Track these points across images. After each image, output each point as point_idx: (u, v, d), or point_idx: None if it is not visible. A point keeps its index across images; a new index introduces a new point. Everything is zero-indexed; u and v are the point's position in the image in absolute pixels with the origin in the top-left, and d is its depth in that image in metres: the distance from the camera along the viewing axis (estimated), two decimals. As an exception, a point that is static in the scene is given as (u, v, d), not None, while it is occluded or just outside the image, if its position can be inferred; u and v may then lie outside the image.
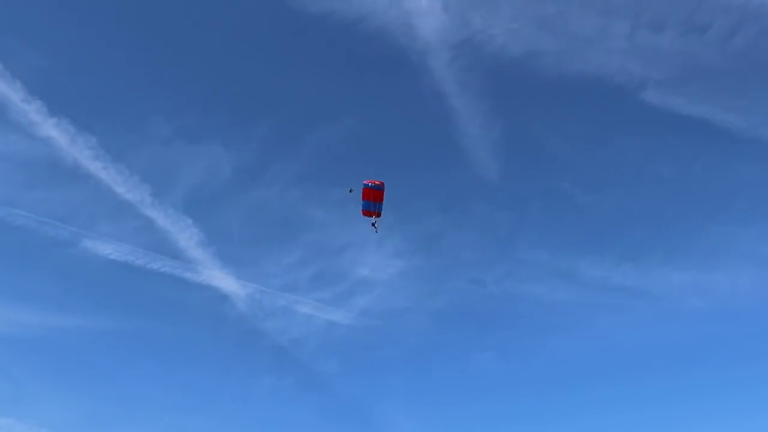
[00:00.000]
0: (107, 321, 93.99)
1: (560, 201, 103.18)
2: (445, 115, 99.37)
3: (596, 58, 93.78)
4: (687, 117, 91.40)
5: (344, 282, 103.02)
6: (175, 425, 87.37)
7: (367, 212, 56.08)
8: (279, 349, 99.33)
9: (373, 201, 55.15)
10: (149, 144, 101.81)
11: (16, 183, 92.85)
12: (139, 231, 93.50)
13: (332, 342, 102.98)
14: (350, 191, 54.88)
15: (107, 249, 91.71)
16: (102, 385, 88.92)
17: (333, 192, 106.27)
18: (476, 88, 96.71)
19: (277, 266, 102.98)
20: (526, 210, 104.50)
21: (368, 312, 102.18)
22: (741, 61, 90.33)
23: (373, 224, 56.24)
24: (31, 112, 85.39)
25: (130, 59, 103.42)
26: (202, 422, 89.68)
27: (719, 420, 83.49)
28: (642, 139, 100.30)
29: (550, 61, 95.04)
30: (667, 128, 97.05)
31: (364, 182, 54.51)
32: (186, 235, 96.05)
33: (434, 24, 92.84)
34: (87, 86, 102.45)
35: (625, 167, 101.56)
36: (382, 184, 54.61)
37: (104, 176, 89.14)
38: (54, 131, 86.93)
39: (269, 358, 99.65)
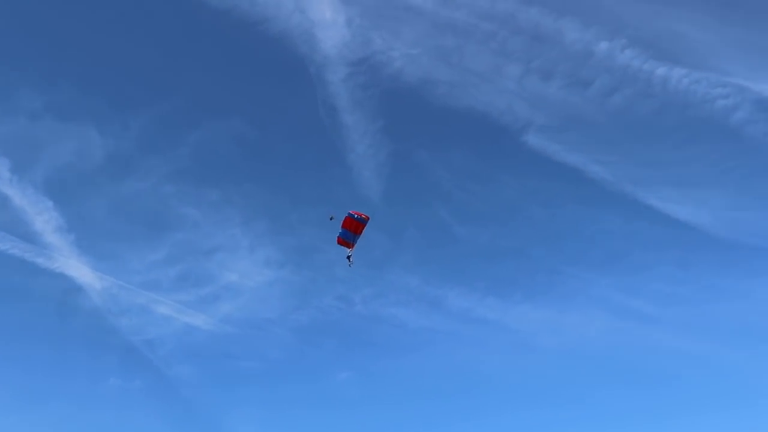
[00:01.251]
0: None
1: (437, 229, 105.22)
2: (335, 130, 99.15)
3: (486, 95, 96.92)
4: (562, 164, 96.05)
5: (210, 286, 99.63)
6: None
7: (343, 241, 53.94)
8: (130, 348, 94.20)
9: (353, 232, 53.28)
10: (15, 116, 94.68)
11: None
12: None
13: (189, 346, 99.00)
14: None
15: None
16: None
17: (210, 193, 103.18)
18: (369, 107, 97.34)
19: (140, 262, 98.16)
20: (403, 234, 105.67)
21: (231, 319, 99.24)
22: (616, 118, 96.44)
23: (348, 257, 54.24)
24: None
25: (4, 25, 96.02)
26: (33, 423, 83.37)
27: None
28: (520, 179, 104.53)
29: (443, 91, 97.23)
30: (544, 172, 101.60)
31: (350, 212, 52.71)
32: (44, 218, 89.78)
33: (336, 38, 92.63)
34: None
35: (502, 204, 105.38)
36: (368, 218, 53.03)
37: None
38: None
39: (119, 357, 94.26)
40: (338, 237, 53.53)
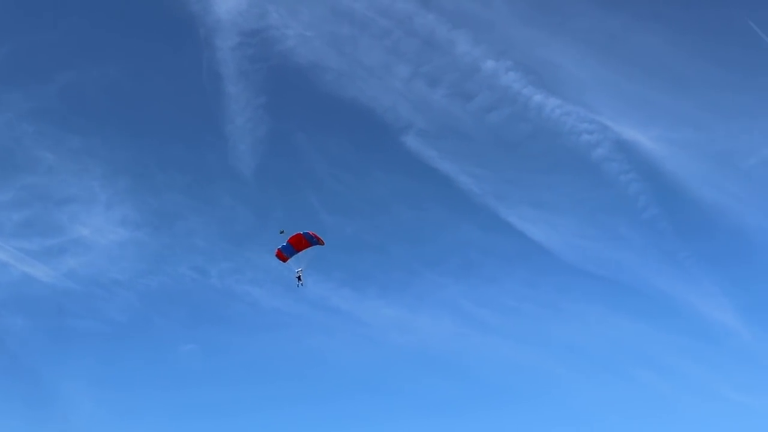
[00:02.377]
0: None
1: (305, 214, 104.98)
2: (216, 98, 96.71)
3: (373, 90, 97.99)
4: (434, 169, 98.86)
5: (57, 237, 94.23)
6: None
7: (280, 254, 51.42)
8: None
9: (295, 248, 50.88)
10: None
11: None
12: None
13: (25, 298, 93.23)
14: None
15: None
16: None
17: (72, 139, 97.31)
18: (255, 81, 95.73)
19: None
20: (270, 214, 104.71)
21: (75, 275, 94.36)
22: (490, 135, 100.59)
23: (298, 276, 52.25)
24: None
25: None
26: None
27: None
28: (392, 177, 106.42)
29: (331, 78, 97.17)
30: (416, 174, 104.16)
31: (307, 231, 50.11)
32: None
33: (231, 4, 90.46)
34: None
35: (371, 199, 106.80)
36: (320, 242, 50.48)
37: None
38: None
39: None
40: (277, 249, 51.23)
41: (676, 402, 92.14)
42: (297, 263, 52.07)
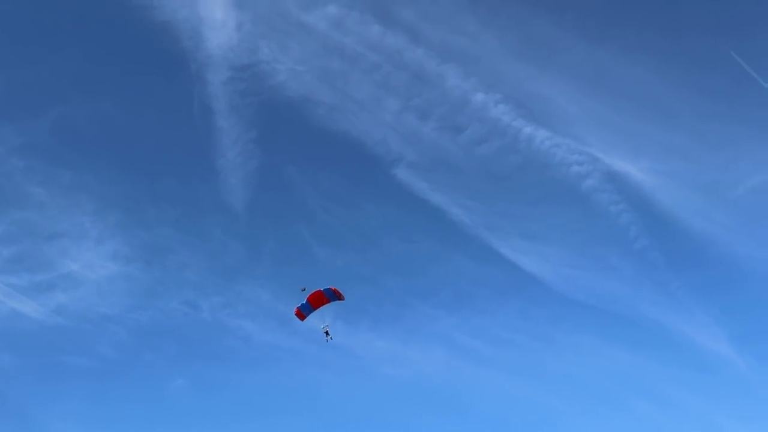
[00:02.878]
0: None
1: (296, 247, 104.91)
2: (207, 132, 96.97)
3: (364, 123, 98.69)
4: (426, 201, 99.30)
5: (46, 273, 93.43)
6: None
7: (298, 312, 51.53)
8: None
9: (313, 306, 50.93)
10: None
11: None
12: None
13: (13, 334, 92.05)
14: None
15: None
16: None
17: (63, 174, 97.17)
18: (246, 115, 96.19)
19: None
20: (261, 247, 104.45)
21: (65, 311, 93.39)
22: (481, 167, 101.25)
23: (326, 332, 52.92)
24: None
25: None
26: None
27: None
28: (384, 209, 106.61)
29: (322, 112, 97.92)
30: (407, 207, 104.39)
31: (328, 287, 50.43)
32: None
33: (222, 39, 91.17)
34: None
35: (362, 232, 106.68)
36: (340, 297, 50.86)
37: None
38: None
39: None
40: (296, 308, 51.12)
41: (672, 430, 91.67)
42: (321, 320, 52.15)
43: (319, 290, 50.34)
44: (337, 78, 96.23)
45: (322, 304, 50.78)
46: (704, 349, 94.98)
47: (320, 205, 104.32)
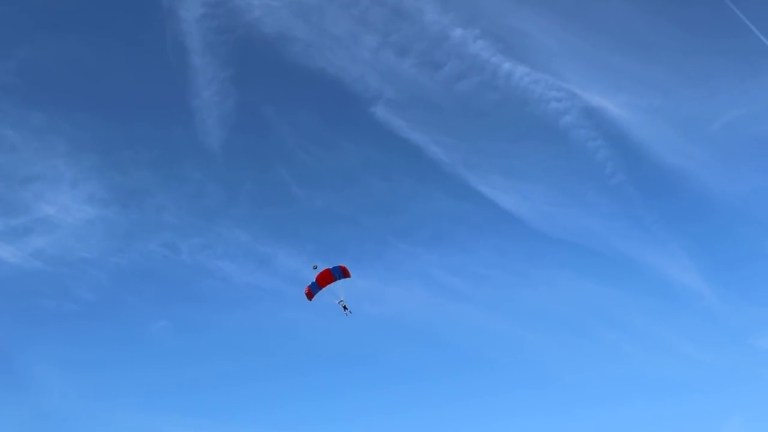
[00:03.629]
0: None
1: (275, 187, 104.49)
2: (181, 71, 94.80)
3: (341, 60, 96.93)
4: (404, 139, 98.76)
5: (22, 217, 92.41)
6: None
7: (308, 291, 51.49)
8: None
9: (320, 285, 50.72)
10: None
11: None
12: None
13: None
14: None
15: None
16: None
17: (35, 116, 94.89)
18: (221, 53, 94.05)
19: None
20: (239, 188, 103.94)
21: (43, 255, 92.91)
22: (460, 104, 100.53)
23: (344, 307, 52.50)
24: None
25: None
26: None
27: (371, 415, 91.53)
28: (362, 148, 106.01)
29: (299, 49, 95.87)
30: (386, 145, 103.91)
31: (336, 266, 50.37)
32: None
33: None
34: None
35: (341, 171, 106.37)
36: (346, 274, 50.71)
37: None
38: None
39: None
40: (307, 287, 51.40)
41: (642, 362, 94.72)
42: (333, 296, 52.24)
43: (327, 269, 50.57)
44: (314, 13, 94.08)
45: (329, 283, 50.97)
46: (676, 281, 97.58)
47: (298, 144, 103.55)
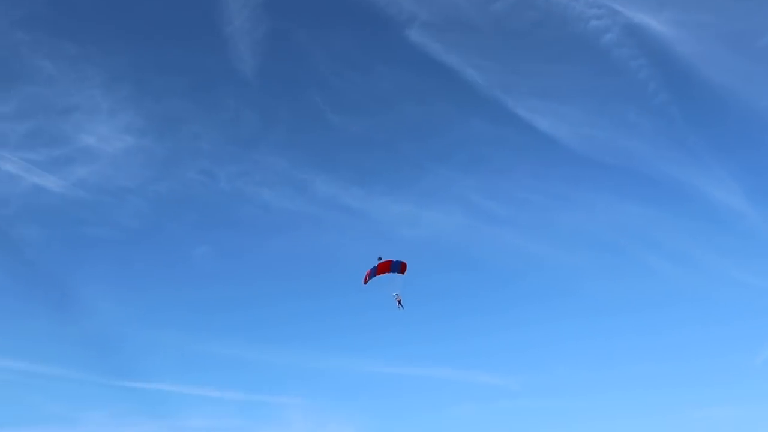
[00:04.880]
0: None
1: (310, 114, 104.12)
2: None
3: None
4: (439, 63, 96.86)
5: (63, 147, 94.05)
6: None
7: (367, 276, 53.38)
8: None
9: (377, 273, 52.86)
10: None
11: None
12: None
13: (37, 209, 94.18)
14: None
15: None
16: None
17: (69, 47, 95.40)
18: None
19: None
20: (275, 115, 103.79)
21: (85, 184, 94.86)
22: (496, 25, 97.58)
23: (398, 301, 54.39)
24: None
25: None
26: None
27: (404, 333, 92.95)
28: (397, 72, 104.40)
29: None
30: (421, 69, 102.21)
31: (398, 260, 52.42)
32: None
33: None
34: None
35: (376, 96, 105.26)
36: (403, 269, 52.59)
37: None
38: None
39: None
40: (367, 271, 53.30)
41: (685, 285, 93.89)
42: (391, 287, 54.19)
43: (390, 261, 52.78)
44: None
45: (384, 272, 53.01)
46: (718, 202, 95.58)
47: (332, 69, 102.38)
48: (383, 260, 52.68)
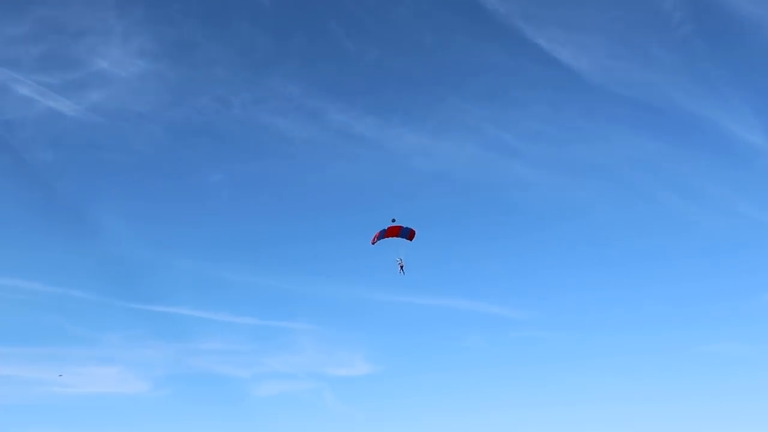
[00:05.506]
0: None
1: (325, 41, 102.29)
2: None
3: None
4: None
5: (77, 71, 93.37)
6: None
7: (375, 237, 53.78)
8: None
9: (386, 236, 53.47)
10: None
11: None
12: None
13: (52, 132, 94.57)
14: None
15: None
16: None
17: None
18: None
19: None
20: (289, 41, 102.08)
21: (99, 109, 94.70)
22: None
23: (401, 266, 55.31)
24: None
25: None
26: None
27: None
28: (416, 2, 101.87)
29: None
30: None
31: (408, 227, 53.07)
32: None
33: None
34: None
35: (394, 24, 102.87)
36: (411, 235, 53.43)
37: None
38: None
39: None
40: (376, 233, 53.61)
41: (697, 220, 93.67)
42: (395, 252, 55.02)
43: (400, 226, 53.43)
44: None
45: (393, 236, 53.81)
46: (738, 139, 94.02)
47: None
48: (395, 224, 53.26)
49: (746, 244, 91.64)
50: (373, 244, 54.56)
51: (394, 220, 53.03)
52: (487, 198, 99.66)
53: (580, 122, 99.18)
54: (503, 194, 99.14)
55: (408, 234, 53.52)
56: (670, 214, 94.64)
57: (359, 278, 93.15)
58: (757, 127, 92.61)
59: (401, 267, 55.44)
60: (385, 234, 53.68)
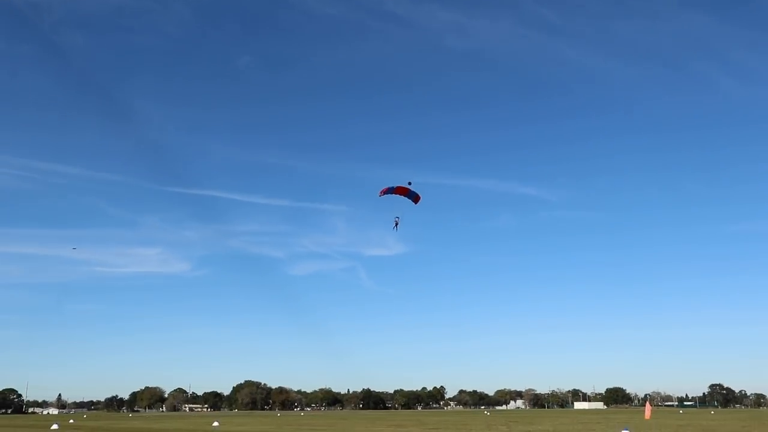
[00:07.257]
0: None
1: None
2: None
3: None
4: None
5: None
6: None
7: (385, 190, 57.02)
8: (15, 11, 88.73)
9: (394, 192, 57.02)
10: None
11: None
12: None
13: (80, 13, 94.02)
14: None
15: None
16: None
17: None
18: None
19: None
20: None
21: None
22: None
23: (396, 223, 58.78)
24: None
25: None
26: None
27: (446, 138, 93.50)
28: None
29: None
30: None
31: (419, 195, 56.61)
32: None
33: None
34: None
35: None
36: (415, 202, 56.72)
37: None
38: None
39: (1, 21, 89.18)
40: (386, 187, 56.89)
41: (752, 105, 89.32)
42: (398, 211, 59.26)
43: (408, 188, 57.58)
44: None
45: (401, 194, 57.83)
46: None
47: None
48: (407, 186, 57.64)
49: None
50: (380, 195, 58.52)
51: (410, 183, 57.42)
52: (523, 78, 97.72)
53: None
54: (541, 75, 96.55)
55: (414, 197, 57.29)
56: (722, 96, 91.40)
57: (390, 160, 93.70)
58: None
59: (396, 224, 59.36)
60: (394, 191, 57.54)
